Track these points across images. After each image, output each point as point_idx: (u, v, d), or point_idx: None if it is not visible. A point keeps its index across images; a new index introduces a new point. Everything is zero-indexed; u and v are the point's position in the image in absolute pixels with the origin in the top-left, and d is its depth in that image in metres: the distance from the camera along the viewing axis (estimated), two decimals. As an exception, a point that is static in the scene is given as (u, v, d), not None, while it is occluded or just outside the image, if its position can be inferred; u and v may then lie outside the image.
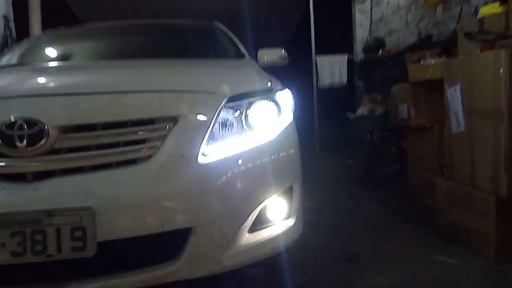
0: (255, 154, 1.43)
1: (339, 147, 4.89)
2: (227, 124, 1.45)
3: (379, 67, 5.15)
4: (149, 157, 1.27)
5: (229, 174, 1.35)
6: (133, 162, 1.26)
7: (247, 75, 1.76)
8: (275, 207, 1.49)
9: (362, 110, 4.32)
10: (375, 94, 4.56)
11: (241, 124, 1.47)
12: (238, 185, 1.36)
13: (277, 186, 1.48)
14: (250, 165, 1.40)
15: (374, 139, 3.59)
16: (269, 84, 1.63)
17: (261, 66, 2.62)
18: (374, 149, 3.60)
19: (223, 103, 1.41)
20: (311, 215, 2.61)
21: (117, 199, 1.20)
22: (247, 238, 1.39)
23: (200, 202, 1.27)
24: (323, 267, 1.95)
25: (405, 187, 2.97)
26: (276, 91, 1.61)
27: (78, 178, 1.21)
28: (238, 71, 1.80)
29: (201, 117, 1.37)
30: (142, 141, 1.29)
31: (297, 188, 1.55)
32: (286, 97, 1.67)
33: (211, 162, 1.32)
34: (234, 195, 1.34)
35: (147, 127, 1.30)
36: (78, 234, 1.15)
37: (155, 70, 1.62)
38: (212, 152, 1.35)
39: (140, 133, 1.29)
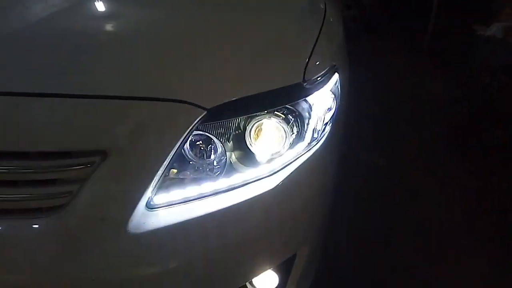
0: (242, 214, 0.88)
1: (456, 65, 3.76)
2: (199, 156, 0.89)
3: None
4: (58, 208, 0.81)
5: (182, 254, 0.85)
6: (37, 212, 0.82)
7: (274, 40, 1.02)
8: (260, 280, 1.00)
9: (495, 29, 3.14)
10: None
11: (225, 159, 0.90)
12: (196, 271, 0.87)
13: (271, 261, 0.96)
14: (228, 235, 0.88)
15: (494, 87, 2.58)
16: (304, 71, 0.94)
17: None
18: (491, 102, 2.61)
19: (195, 122, 0.83)
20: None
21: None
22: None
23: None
24: None
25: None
26: (310, 91, 0.95)
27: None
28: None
29: (151, 149, 0.82)
30: (51, 182, 0.82)
31: (304, 253, 1.02)
32: (326, 96, 0.99)
33: (153, 231, 0.82)
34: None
35: (59, 161, 0.81)
36: None
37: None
38: (161, 204, 0.84)
39: (47, 170, 0.81)
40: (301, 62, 0.96)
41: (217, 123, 0.87)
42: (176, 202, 0.86)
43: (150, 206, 0.83)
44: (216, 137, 0.87)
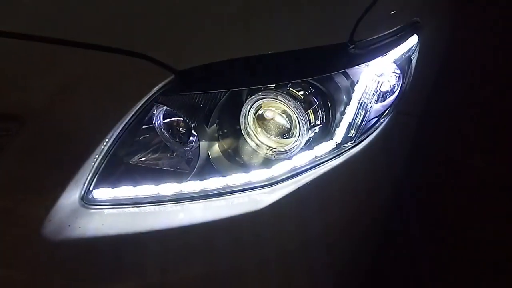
0: (217, 237, 0.57)
1: None
2: (174, 136, 0.59)
3: None
4: None
5: (119, 282, 0.58)
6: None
7: None
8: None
9: None
10: None
11: (197, 151, 0.58)
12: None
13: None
14: (193, 264, 0.58)
15: None
16: (355, 25, 0.58)
17: None
18: None
19: (155, 89, 0.53)
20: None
21: None
22: None
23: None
24: None
25: None
26: (356, 60, 0.58)
27: None
28: None
29: (87, 118, 0.56)
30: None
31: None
32: (384, 71, 0.61)
33: (79, 240, 0.55)
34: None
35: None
36: None
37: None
38: (104, 201, 0.58)
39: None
40: (353, 7, 0.59)
41: (190, 95, 0.56)
42: (124, 202, 0.59)
43: (87, 201, 0.58)
44: (187, 117, 0.56)
